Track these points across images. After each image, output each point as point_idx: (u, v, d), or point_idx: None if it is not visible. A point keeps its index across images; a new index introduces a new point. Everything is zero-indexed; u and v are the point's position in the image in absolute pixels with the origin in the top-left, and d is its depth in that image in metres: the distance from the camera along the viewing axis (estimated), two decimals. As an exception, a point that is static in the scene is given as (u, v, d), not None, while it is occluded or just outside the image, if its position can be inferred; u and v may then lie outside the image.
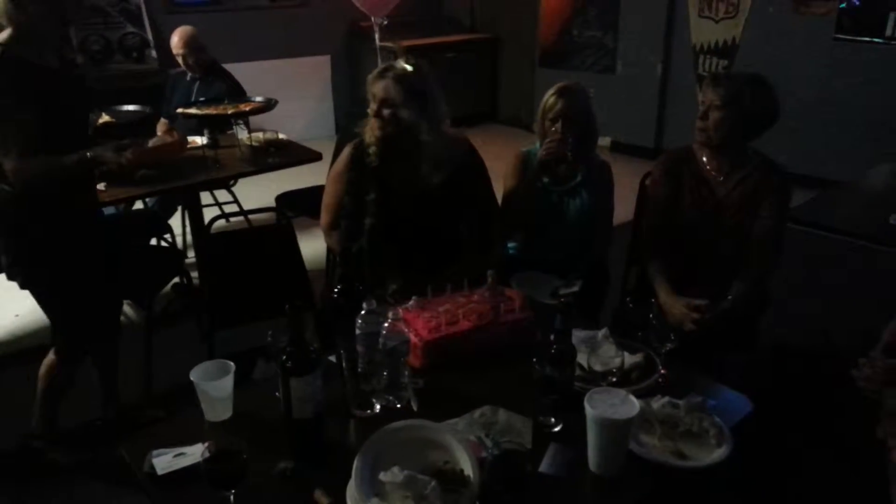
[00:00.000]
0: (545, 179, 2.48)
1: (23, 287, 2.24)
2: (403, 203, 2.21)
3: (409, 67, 2.13)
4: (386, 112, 2.12)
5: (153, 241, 3.51)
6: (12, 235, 2.18)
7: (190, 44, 3.89)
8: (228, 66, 4.14)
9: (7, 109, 1.99)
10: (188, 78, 4.04)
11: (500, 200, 2.48)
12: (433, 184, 2.19)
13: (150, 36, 5.83)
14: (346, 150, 2.31)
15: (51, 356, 2.37)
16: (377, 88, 2.12)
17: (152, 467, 1.34)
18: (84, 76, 2.36)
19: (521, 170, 2.49)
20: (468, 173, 2.25)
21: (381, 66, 2.18)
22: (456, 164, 2.21)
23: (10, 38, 2.02)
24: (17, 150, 2.00)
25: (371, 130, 2.20)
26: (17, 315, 3.45)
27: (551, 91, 2.42)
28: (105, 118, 3.35)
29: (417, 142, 2.16)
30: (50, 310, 2.30)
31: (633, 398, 1.35)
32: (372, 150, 2.21)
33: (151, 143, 2.31)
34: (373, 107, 2.14)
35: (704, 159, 2.32)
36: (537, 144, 2.50)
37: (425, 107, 2.14)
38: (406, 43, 6.50)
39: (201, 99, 3.85)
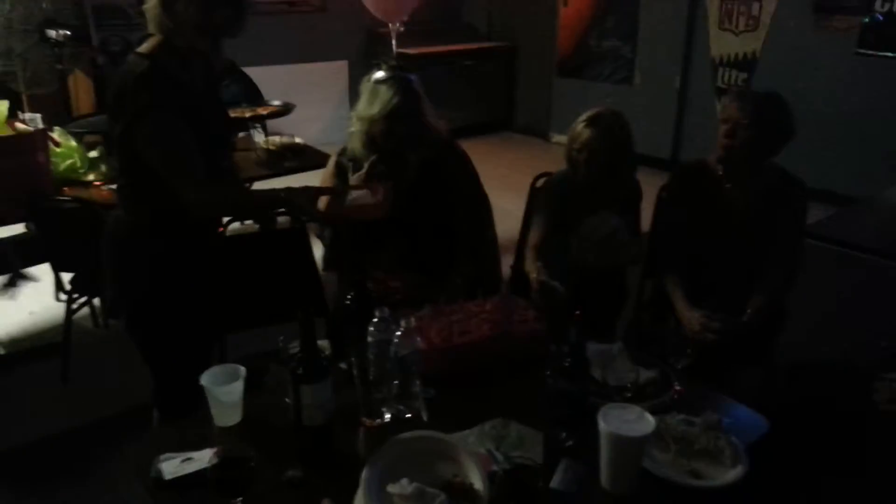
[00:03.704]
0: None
1: (128, 329, 1.97)
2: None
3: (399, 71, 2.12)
4: (398, 128, 2.08)
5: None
6: (125, 266, 1.91)
7: None
8: (246, 70, 4.17)
9: (170, 131, 1.73)
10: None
11: (524, 225, 2.46)
12: (413, 170, 2.18)
13: (170, 38, 5.88)
14: (332, 160, 2.28)
15: None
16: (393, 102, 2.06)
17: (159, 472, 1.33)
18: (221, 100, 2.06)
19: (552, 199, 2.41)
20: (448, 161, 2.26)
21: (384, 80, 2.09)
22: (436, 149, 2.20)
23: (157, 49, 1.75)
24: (192, 178, 1.76)
25: (359, 141, 2.16)
26: (31, 312, 3.45)
27: (582, 118, 2.31)
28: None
29: (416, 141, 2.16)
30: (155, 357, 1.99)
31: (648, 415, 1.32)
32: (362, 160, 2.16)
33: (352, 197, 1.96)
34: (381, 126, 2.08)
35: (720, 173, 2.29)
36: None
37: (423, 103, 2.15)
38: (424, 50, 6.54)
39: (219, 102, 3.85)
